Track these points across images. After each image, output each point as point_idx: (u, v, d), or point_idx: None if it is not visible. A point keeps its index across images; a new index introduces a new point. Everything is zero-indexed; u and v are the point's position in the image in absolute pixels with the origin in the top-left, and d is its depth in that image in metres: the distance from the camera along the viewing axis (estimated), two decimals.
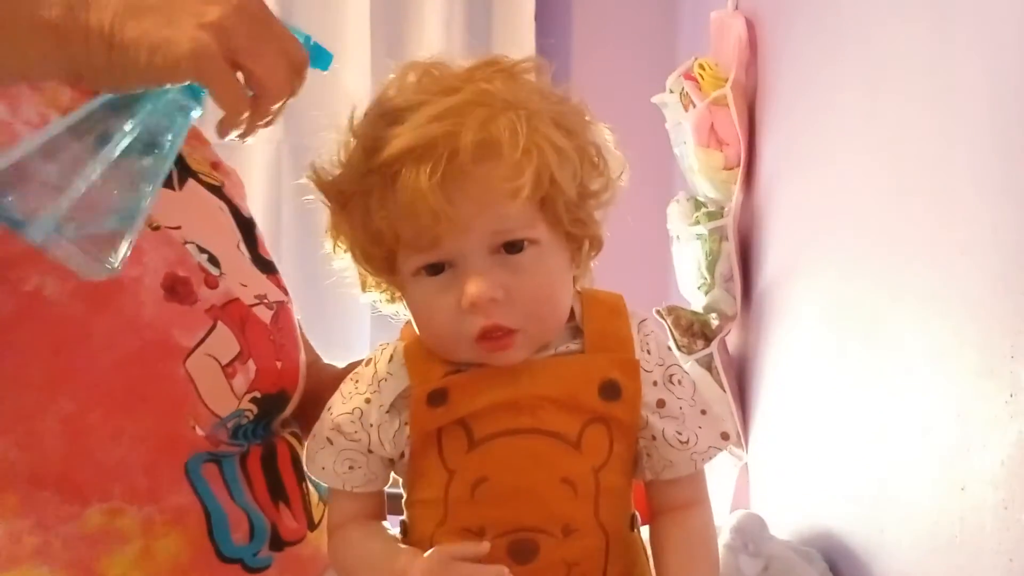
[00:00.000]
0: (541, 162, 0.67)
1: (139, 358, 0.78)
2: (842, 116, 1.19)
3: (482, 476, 0.71)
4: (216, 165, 0.94)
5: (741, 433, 1.55)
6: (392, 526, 0.79)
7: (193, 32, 0.60)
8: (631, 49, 2.14)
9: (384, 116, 0.69)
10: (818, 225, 1.28)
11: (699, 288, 1.61)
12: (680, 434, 0.74)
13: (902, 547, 0.96)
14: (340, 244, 0.75)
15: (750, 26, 1.55)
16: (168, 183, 0.78)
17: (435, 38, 2.10)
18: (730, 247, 1.54)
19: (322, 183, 0.73)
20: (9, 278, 0.75)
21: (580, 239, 0.74)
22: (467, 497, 0.71)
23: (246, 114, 0.64)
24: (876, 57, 1.08)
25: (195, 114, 0.65)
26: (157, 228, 0.81)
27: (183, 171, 0.86)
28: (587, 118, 0.72)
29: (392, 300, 0.77)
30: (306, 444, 0.78)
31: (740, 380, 1.59)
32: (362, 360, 0.86)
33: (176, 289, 0.81)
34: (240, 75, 0.63)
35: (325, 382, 1.01)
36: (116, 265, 0.64)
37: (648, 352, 0.75)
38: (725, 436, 0.76)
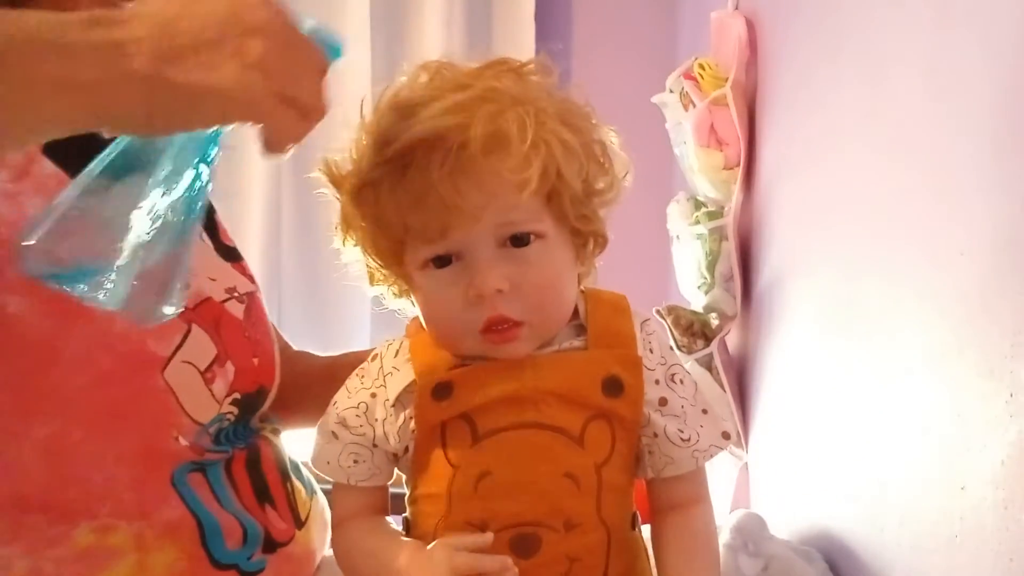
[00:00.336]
0: (548, 156, 0.68)
1: (115, 374, 0.75)
2: (842, 116, 1.19)
3: (485, 470, 0.72)
4: None
5: (741, 433, 1.55)
6: (395, 524, 0.79)
7: (240, 75, 0.57)
8: (631, 49, 2.14)
9: (396, 110, 0.71)
10: (818, 225, 1.28)
11: (699, 288, 1.61)
12: (682, 432, 0.75)
13: (902, 547, 0.96)
14: (349, 237, 0.76)
15: (750, 26, 1.55)
16: None
17: (435, 38, 2.09)
18: (730, 247, 1.54)
19: (333, 176, 0.74)
20: None
21: (585, 236, 0.75)
22: (470, 491, 0.72)
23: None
24: (876, 57, 1.08)
25: (221, 144, 0.64)
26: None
27: None
28: (592, 119, 0.74)
29: (399, 294, 0.78)
30: (313, 440, 0.79)
31: (740, 380, 1.59)
32: (353, 349, 0.88)
33: None
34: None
35: (301, 369, 1.01)
36: (174, 310, 0.63)
37: (651, 351, 0.76)
38: (726, 436, 0.77)
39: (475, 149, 0.67)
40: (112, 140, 0.61)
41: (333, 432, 0.76)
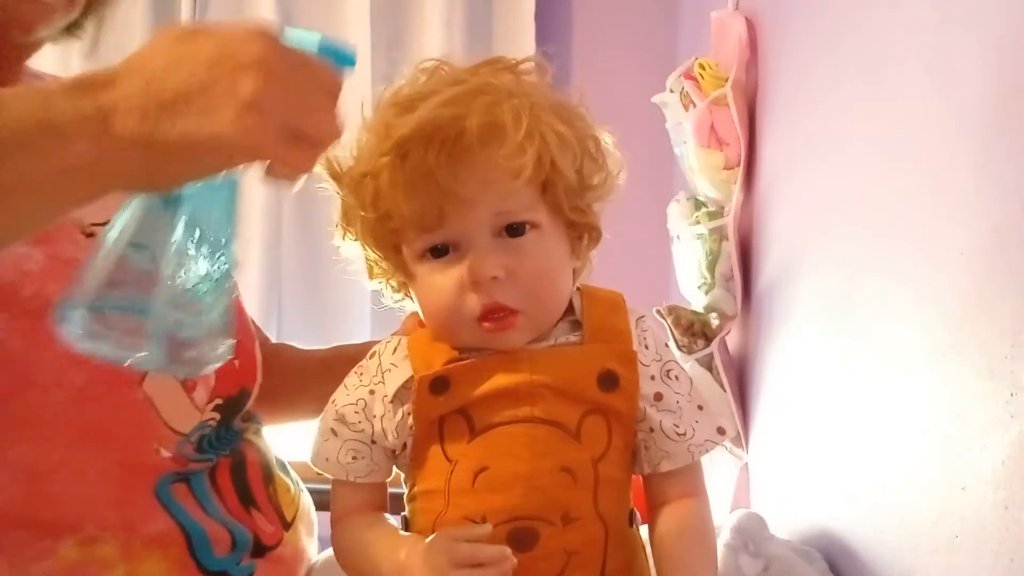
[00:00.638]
0: (543, 145, 0.70)
1: (91, 391, 0.74)
2: (842, 116, 1.19)
3: (483, 465, 0.73)
4: None
5: (741, 433, 1.55)
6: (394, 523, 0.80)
7: (236, 119, 0.53)
8: (631, 49, 2.14)
9: (395, 106, 0.73)
10: (818, 224, 1.28)
11: (699, 288, 1.60)
12: (677, 427, 0.75)
13: (902, 547, 0.96)
14: (349, 231, 0.77)
15: (750, 26, 1.55)
16: None
17: (435, 38, 2.09)
18: (730, 247, 1.54)
19: (334, 171, 0.76)
20: None
21: (580, 228, 0.76)
22: (468, 486, 0.72)
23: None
24: (876, 57, 1.08)
25: (236, 185, 0.62)
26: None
27: None
28: (587, 116, 0.75)
29: (398, 288, 0.80)
30: (312, 437, 0.80)
31: (740, 380, 1.59)
32: (343, 343, 0.89)
33: None
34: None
35: (285, 363, 1.01)
36: (219, 360, 0.61)
37: (646, 347, 0.77)
38: (721, 431, 0.78)
39: (472, 139, 0.69)
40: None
41: (332, 429, 0.77)
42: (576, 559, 0.73)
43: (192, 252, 0.59)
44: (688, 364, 1.56)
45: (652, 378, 0.76)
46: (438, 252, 0.73)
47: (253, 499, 0.85)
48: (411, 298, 0.79)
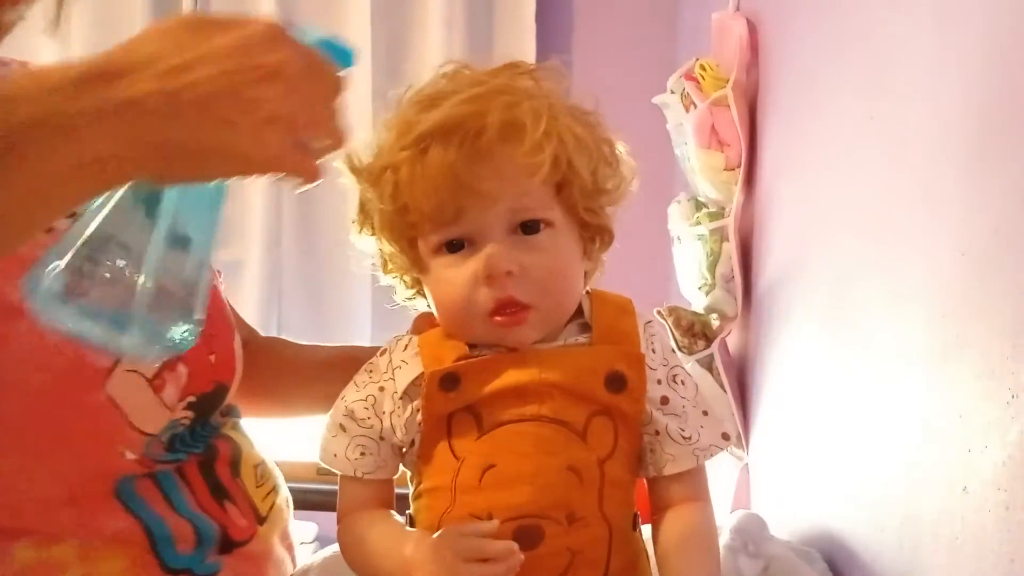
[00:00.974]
0: (560, 145, 0.72)
1: (50, 393, 0.70)
2: (843, 117, 1.19)
3: (490, 462, 0.73)
4: None
5: (742, 433, 1.55)
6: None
7: (255, 132, 0.52)
8: (632, 50, 2.14)
9: (417, 104, 0.74)
10: (819, 226, 1.28)
11: (700, 288, 1.61)
12: (683, 430, 0.76)
13: (903, 548, 0.96)
14: (366, 226, 0.78)
15: (751, 27, 1.55)
16: None
17: (435, 39, 2.10)
18: (731, 248, 1.54)
19: (354, 166, 0.77)
20: None
21: (592, 230, 0.77)
22: (475, 484, 0.73)
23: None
24: (877, 58, 1.09)
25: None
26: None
27: None
28: (602, 122, 0.77)
29: (411, 285, 0.81)
30: (321, 433, 0.80)
31: (741, 380, 1.59)
32: (345, 342, 0.89)
33: None
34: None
35: (278, 357, 0.99)
36: (189, 336, 0.60)
37: (653, 351, 0.78)
38: (726, 436, 0.78)
39: (491, 136, 0.70)
40: None
41: (341, 425, 0.78)
42: (580, 558, 0.73)
43: (173, 237, 0.59)
44: (688, 365, 1.56)
45: (659, 382, 0.77)
46: (453, 247, 0.74)
47: (226, 491, 0.83)
48: (424, 295, 0.80)
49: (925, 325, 0.93)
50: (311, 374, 0.96)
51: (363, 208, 0.78)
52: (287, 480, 0.93)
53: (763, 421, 1.50)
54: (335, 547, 0.85)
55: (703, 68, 1.59)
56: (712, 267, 1.57)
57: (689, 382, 0.79)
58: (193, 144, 0.52)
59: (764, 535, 1.13)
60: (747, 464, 1.56)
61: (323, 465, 0.79)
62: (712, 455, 0.77)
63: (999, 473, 0.78)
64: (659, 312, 1.59)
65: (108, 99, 0.50)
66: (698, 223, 1.61)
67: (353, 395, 0.78)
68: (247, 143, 0.53)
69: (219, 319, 0.85)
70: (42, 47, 2.09)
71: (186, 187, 0.58)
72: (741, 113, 1.52)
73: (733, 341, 1.62)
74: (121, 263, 0.57)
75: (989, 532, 0.79)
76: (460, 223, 0.72)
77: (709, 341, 1.57)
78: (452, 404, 0.74)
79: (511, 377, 0.73)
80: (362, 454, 0.77)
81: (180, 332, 0.60)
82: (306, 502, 1.44)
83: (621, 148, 0.78)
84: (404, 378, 0.76)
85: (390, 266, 0.80)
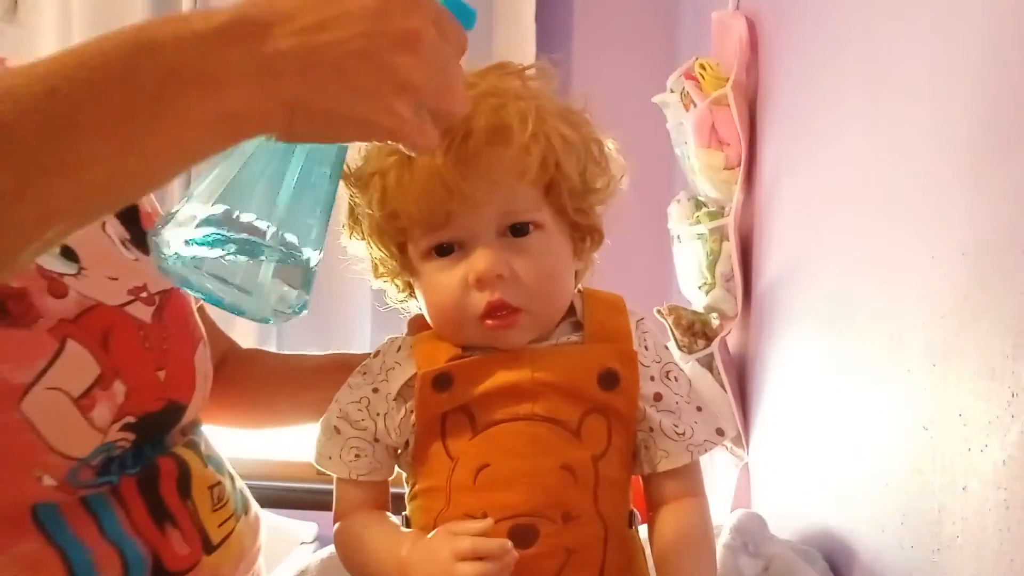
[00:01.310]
0: (548, 147, 0.72)
1: None
2: (843, 116, 1.19)
3: (484, 462, 0.73)
4: None
5: (742, 433, 1.55)
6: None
7: (387, 99, 0.52)
8: (632, 49, 2.14)
9: None
10: (819, 225, 1.28)
11: (700, 288, 1.61)
12: (677, 427, 0.76)
13: (903, 547, 0.96)
14: (356, 230, 0.79)
15: (751, 26, 1.55)
16: None
17: None
18: (731, 247, 1.54)
19: (343, 171, 0.77)
20: None
21: (582, 230, 0.77)
22: (469, 483, 0.73)
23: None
24: (878, 57, 1.08)
25: (347, 149, 0.63)
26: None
27: None
28: (591, 121, 0.77)
29: (402, 288, 0.81)
30: (315, 436, 0.79)
31: (741, 380, 1.59)
32: (352, 351, 0.89)
33: (6, 309, 0.65)
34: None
35: (261, 368, 0.98)
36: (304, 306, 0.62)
37: (646, 348, 0.78)
38: (720, 432, 0.79)
39: (479, 139, 0.70)
40: None
41: (335, 427, 0.78)
42: (576, 557, 0.73)
43: (300, 206, 0.60)
44: (688, 364, 1.56)
45: (652, 379, 0.77)
46: (443, 250, 0.74)
47: (169, 514, 0.76)
48: (416, 298, 0.80)
49: (925, 324, 0.93)
50: (299, 382, 0.96)
51: (352, 213, 0.78)
52: (287, 480, 0.92)
53: (763, 421, 1.50)
54: (333, 547, 0.86)
55: (703, 67, 1.59)
56: (712, 266, 1.57)
57: (682, 378, 0.79)
58: (323, 104, 0.52)
59: (764, 534, 1.13)
60: (747, 464, 1.56)
61: (318, 467, 0.80)
62: (706, 450, 0.78)
63: (999, 472, 0.78)
64: (659, 311, 1.59)
65: (248, 54, 0.50)
66: (698, 222, 1.60)
67: (347, 397, 0.78)
68: (376, 109, 0.53)
69: (177, 332, 0.80)
70: (43, 48, 2.10)
71: (310, 147, 0.59)
72: (741, 112, 1.52)
73: (733, 340, 1.62)
74: (249, 217, 0.57)
75: (989, 532, 0.79)
76: (449, 227, 0.73)
77: (709, 340, 1.57)
78: (445, 404, 0.74)
79: (504, 376, 0.73)
80: (357, 456, 0.77)
81: (295, 297, 0.61)
82: (306, 502, 1.45)
83: (611, 146, 0.78)
84: (397, 379, 0.76)
85: (380, 270, 0.80)
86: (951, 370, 0.87)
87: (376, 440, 0.77)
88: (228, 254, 0.58)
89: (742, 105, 1.53)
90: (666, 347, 0.80)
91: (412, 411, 0.75)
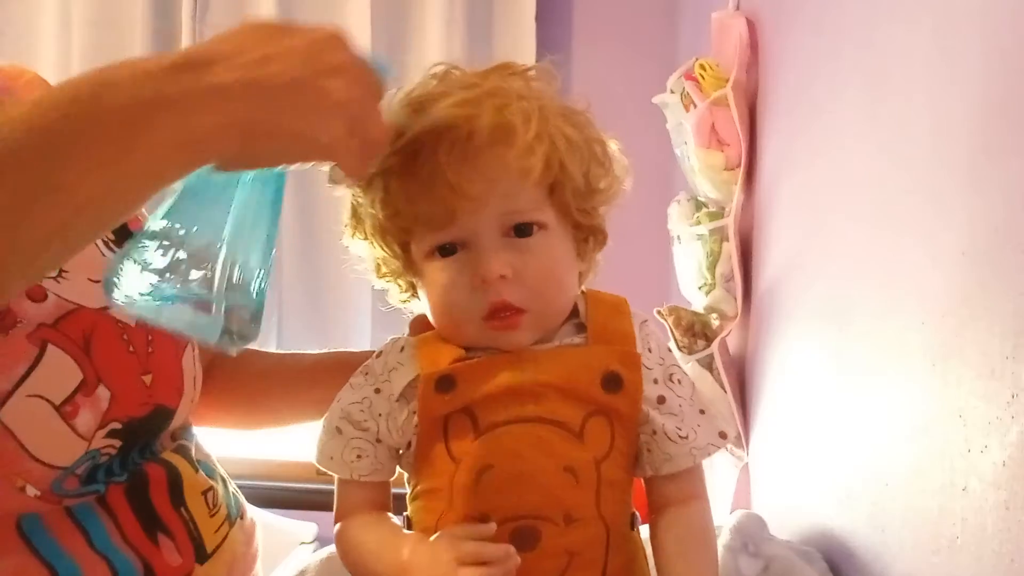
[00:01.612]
0: (551, 147, 0.72)
1: None
2: (843, 117, 1.19)
3: (487, 464, 0.73)
4: None
5: (742, 433, 1.55)
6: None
7: (323, 118, 0.59)
8: (632, 49, 2.14)
9: (407, 106, 0.73)
10: (819, 225, 1.28)
11: (700, 288, 1.61)
12: (679, 430, 0.76)
13: (903, 547, 0.96)
14: (359, 231, 0.78)
15: (751, 27, 1.55)
16: None
17: (435, 38, 2.10)
18: (731, 247, 1.54)
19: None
20: None
21: (586, 231, 0.77)
22: (472, 485, 0.73)
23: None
24: (877, 58, 1.08)
25: (285, 176, 0.66)
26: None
27: None
28: (593, 122, 0.76)
29: (405, 289, 0.81)
30: (317, 436, 0.79)
31: (741, 380, 1.59)
32: (352, 350, 0.89)
33: None
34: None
35: (259, 369, 0.98)
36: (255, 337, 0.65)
37: (649, 350, 0.77)
38: (723, 435, 0.78)
39: (482, 139, 0.69)
40: None
41: (337, 427, 0.78)
42: (578, 559, 0.73)
43: (244, 233, 0.63)
44: (688, 365, 1.56)
45: (655, 381, 0.76)
46: (446, 251, 0.74)
47: (161, 523, 0.76)
48: (418, 298, 0.79)
49: (924, 325, 0.93)
50: (296, 382, 0.95)
51: (355, 212, 0.78)
52: (287, 480, 0.92)
53: (763, 421, 1.50)
54: (333, 548, 0.85)
55: (703, 68, 1.59)
56: (712, 267, 1.57)
57: (686, 381, 0.78)
58: (271, 126, 0.57)
59: (764, 535, 1.13)
60: (747, 464, 1.56)
61: (319, 467, 0.79)
62: (709, 454, 0.77)
63: (999, 473, 0.78)
64: (659, 312, 1.59)
65: (199, 83, 0.55)
66: (698, 223, 1.61)
67: (349, 397, 0.78)
68: (315, 128, 0.58)
69: (163, 335, 0.78)
70: (42, 48, 2.10)
71: (254, 173, 0.63)
72: (741, 113, 1.52)
73: (733, 341, 1.62)
74: (199, 244, 0.61)
75: (989, 532, 0.79)
76: (452, 227, 0.72)
77: (709, 341, 1.57)
78: (448, 406, 0.74)
79: (507, 378, 0.73)
80: (359, 457, 0.77)
81: (249, 330, 0.63)
82: (306, 502, 1.45)
83: (613, 147, 0.77)
84: (400, 380, 0.76)
85: (383, 270, 0.80)
86: (951, 370, 0.87)
87: (378, 441, 0.77)
88: (179, 304, 0.61)
89: (742, 105, 1.53)
90: (670, 349, 0.80)
91: (414, 412, 0.75)
